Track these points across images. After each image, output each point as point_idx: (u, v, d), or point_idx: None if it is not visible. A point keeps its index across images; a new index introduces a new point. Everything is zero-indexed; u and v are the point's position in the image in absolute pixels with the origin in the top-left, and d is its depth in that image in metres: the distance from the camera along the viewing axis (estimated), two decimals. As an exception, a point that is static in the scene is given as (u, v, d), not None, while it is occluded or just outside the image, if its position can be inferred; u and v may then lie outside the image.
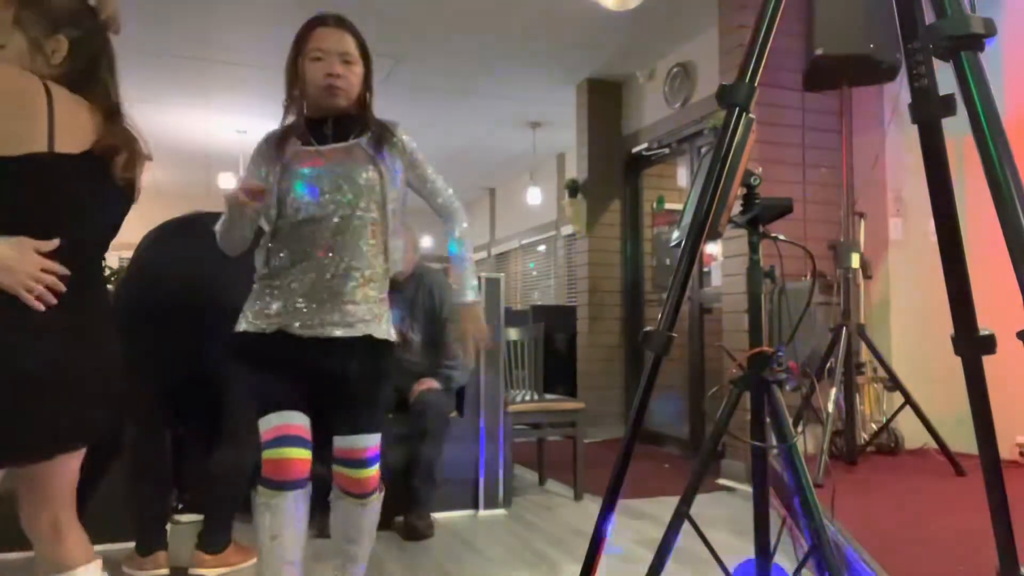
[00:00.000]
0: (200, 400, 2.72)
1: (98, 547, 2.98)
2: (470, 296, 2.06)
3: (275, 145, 1.95)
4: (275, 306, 1.91)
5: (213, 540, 2.68)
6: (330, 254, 1.90)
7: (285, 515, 1.85)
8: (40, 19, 1.46)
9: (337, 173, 1.91)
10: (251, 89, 6.20)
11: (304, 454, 1.87)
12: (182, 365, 2.68)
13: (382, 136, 1.98)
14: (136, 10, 4.46)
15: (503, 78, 6.05)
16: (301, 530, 1.90)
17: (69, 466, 1.52)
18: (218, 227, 1.94)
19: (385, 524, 3.09)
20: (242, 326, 1.94)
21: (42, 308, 1.35)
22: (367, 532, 2.04)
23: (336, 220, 1.90)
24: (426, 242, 9.47)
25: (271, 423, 1.86)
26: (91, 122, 1.48)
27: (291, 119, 2.00)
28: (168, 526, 2.84)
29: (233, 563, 2.71)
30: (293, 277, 1.91)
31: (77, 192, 1.42)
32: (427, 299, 3.49)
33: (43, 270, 1.35)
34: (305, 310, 1.90)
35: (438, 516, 3.38)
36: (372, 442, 1.97)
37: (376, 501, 2.03)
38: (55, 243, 1.37)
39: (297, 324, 1.90)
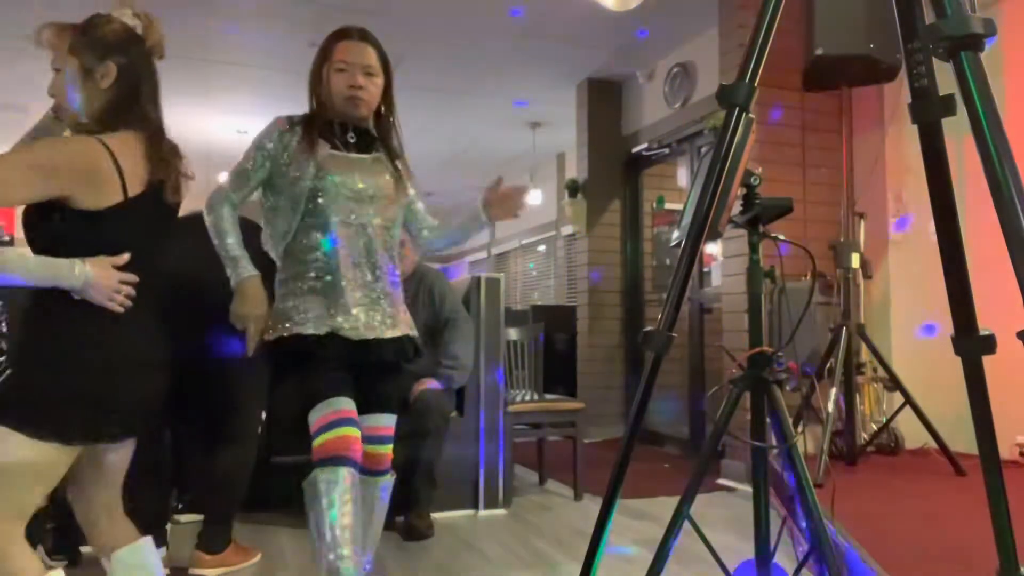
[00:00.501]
0: (200, 400, 2.72)
1: (98, 547, 2.96)
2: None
3: (307, 139, 2.00)
4: (314, 310, 1.99)
5: (213, 540, 2.68)
6: (366, 258, 2.04)
7: (347, 489, 1.89)
8: (92, 47, 1.64)
9: (368, 183, 2.04)
10: (251, 89, 6.19)
11: (358, 433, 1.95)
12: (182, 365, 2.68)
13: (396, 149, 2.14)
14: (135, 9, 4.45)
15: (503, 78, 6.05)
16: (357, 512, 1.93)
17: (128, 451, 1.77)
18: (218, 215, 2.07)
19: (385, 524, 3.09)
20: (279, 332, 1.99)
21: (120, 311, 1.60)
22: (377, 516, 2.14)
23: (370, 231, 2.04)
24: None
25: (322, 411, 1.94)
26: (143, 157, 1.67)
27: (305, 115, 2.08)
28: (168, 526, 2.84)
29: (233, 563, 2.71)
30: (331, 279, 2.00)
31: (146, 223, 1.68)
32: (427, 299, 3.49)
33: (121, 282, 1.61)
34: (353, 312, 2.00)
35: (438, 516, 3.38)
36: (393, 422, 2.16)
37: (389, 481, 2.15)
38: (126, 257, 1.62)
39: (347, 327, 1.99)
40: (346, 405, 1.97)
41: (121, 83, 1.66)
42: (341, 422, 1.93)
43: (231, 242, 2.02)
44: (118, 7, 1.75)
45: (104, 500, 1.76)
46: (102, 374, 1.57)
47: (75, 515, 1.77)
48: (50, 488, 1.59)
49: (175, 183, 1.74)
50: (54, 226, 1.58)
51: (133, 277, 1.62)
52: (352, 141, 2.07)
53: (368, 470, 2.07)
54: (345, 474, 1.90)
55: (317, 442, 1.93)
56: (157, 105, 1.74)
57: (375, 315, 2.04)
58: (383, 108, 2.12)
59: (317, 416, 1.94)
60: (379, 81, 2.06)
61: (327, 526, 1.86)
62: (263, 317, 2.01)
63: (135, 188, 1.63)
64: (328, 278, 2.00)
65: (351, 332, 1.99)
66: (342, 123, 2.07)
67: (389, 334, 2.06)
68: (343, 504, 1.88)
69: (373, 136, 2.13)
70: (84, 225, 1.58)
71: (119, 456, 1.75)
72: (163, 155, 1.70)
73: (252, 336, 2.01)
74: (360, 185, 2.02)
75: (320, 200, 1.99)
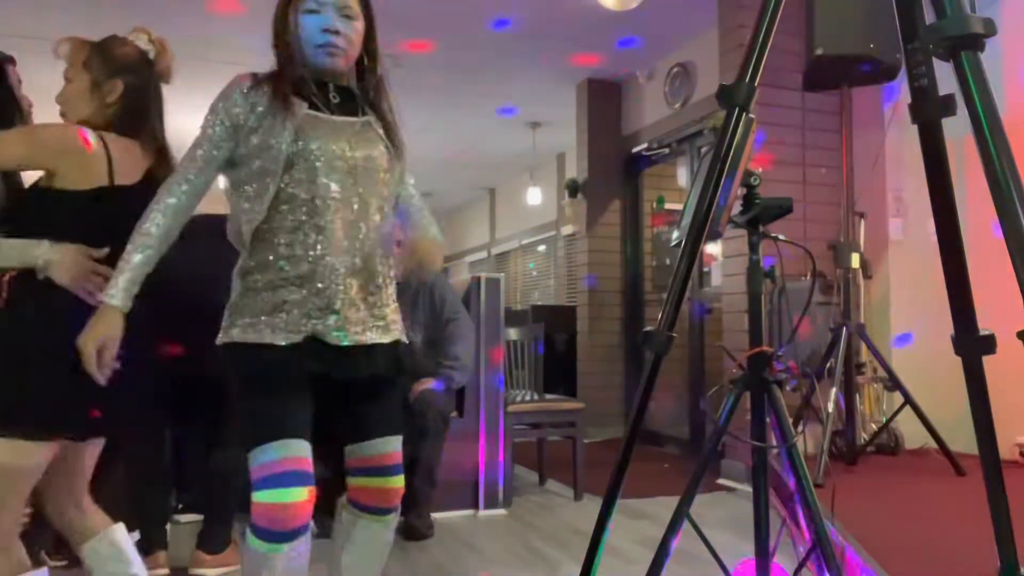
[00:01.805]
0: (200, 400, 2.72)
1: (98, 547, 2.95)
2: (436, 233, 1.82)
3: (280, 97, 1.61)
4: (285, 309, 1.58)
5: (213, 540, 2.69)
6: (351, 243, 1.63)
7: (286, 570, 1.50)
8: (105, 64, 1.77)
9: (356, 153, 1.64)
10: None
11: (308, 493, 1.53)
12: (182, 365, 2.68)
13: (387, 113, 1.74)
14: (136, 10, 4.46)
15: (503, 78, 6.04)
16: None
17: (92, 453, 1.78)
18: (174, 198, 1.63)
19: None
20: (229, 336, 1.61)
21: (94, 302, 1.57)
22: (380, 560, 1.77)
23: (356, 207, 1.63)
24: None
25: (270, 455, 1.52)
26: (142, 159, 1.78)
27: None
28: (168, 526, 2.84)
29: (233, 563, 2.71)
30: (311, 269, 1.59)
31: (133, 213, 1.60)
32: (428, 300, 3.49)
33: (95, 272, 1.64)
34: (338, 310, 1.61)
35: (438, 516, 3.37)
36: (400, 444, 1.75)
37: (396, 519, 1.77)
38: (105, 251, 1.65)
39: (332, 330, 1.61)
40: (302, 452, 1.54)
41: (126, 100, 1.78)
42: (289, 479, 1.50)
43: (132, 246, 1.55)
44: (135, 31, 1.87)
45: (69, 489, 1.77)
46: (61, 369, 1.56)
47: (45, 508, 1.79)
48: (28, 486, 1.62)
49: None
50: (38, 204, 1.64)
51: (108, 270, 1.61)
52: (336, 101, 1.68)
53: (375, 508, 1.71)
54: (283, 555, 1.49)
55: (256, 499, 1.50)
56: (162, 127, 1.88)
57: (367, 316, 1.65)
58: (365, 60, 1.73)
59: (263, 459, 1.51)
60: (359, 25, 1.67)
61: None
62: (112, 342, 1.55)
63: (124, 179, 1.70)
64: (306, 268, 1.58)
65: (337, 336, 1.59)
66: (318, 81, 1.67)
67: (383, 339, 1.68)
68: None
69: (358, 97, 1.73)
70: (68, 207, 1.64)
71: (80, 456, 1.76)
72: (166, 168, 1.79)
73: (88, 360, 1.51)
74: (348, 154, 1.63)
75: (297, 172, 1.58)
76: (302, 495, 1.51)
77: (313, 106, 1.64)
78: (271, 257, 1.60)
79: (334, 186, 1.61)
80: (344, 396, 1.69)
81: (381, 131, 1.71)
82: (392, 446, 1.72)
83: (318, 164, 1.60)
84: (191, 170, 1.60)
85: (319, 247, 1.59)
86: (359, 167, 1.64)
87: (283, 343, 1.57)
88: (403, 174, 1.78)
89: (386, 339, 1.69)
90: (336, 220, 1.60)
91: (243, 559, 1.55)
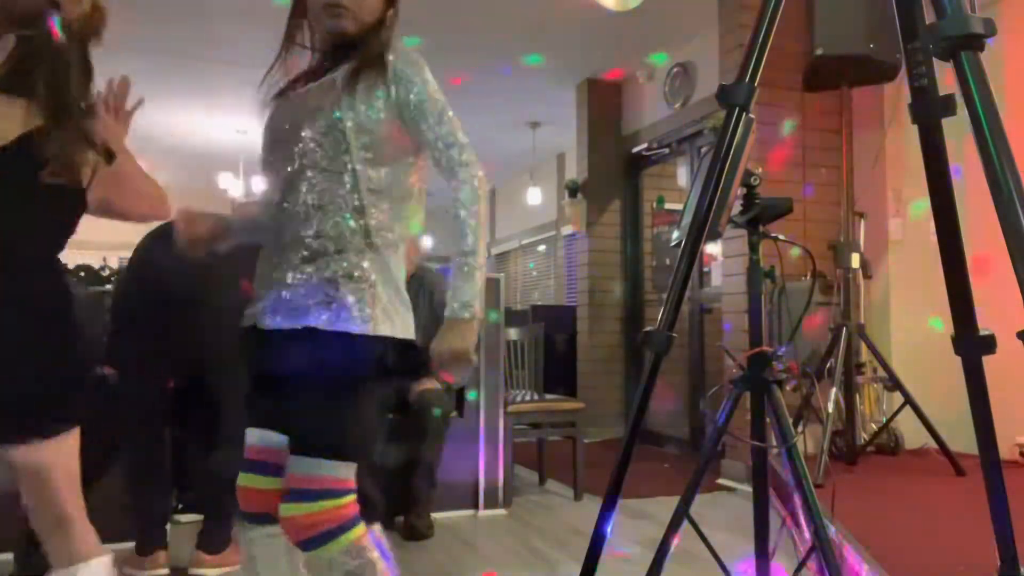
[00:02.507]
0: (200, 400, 2.72)
1: (98, 547, 2.95)
2: (456, 308, 1.54)
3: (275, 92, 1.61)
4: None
5: (213, 540, 2.68)
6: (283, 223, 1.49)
7: (263, 559, 1.61)
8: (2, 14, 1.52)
9: (297, 116, 1.50)
10: (252, 89, 6.18)
11: (262, 483, 1.58)
12: (182, 365, 2.68)
13: (365, 64, 1.51)
14: (136, 9, 4.45)
15: (503, 78, 6.04)
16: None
17: (58, 461, 1.54)
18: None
19: (385, 524, 3.09)
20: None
21: None
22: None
23: (292, 180, 1.48)
24: (426, 242, 9.46)
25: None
26: (21, 122, 1.50)
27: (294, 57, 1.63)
28: (168, 526, 2.84)
29: (233, 563, 2.71)
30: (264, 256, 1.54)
31: None
32: (427, 300, 3.49)
33: None
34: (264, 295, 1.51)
35: (438, 516, 3.37)
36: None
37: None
38: None
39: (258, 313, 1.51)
40: (256, 440, 1.56)
41: (16, 56, 1.54)
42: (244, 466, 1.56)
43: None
44: None
45: (52, 514, 1.54)
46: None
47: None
48: None
49: (61, 168, 1.54)
50: None
51: None
52: (326, 67, 1.57)
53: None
54: (259, 538, 1.57)
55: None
56: (68, 89, 1.56)
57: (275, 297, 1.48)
58: (387, 20, 1.59)
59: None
60: None
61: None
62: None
63: None
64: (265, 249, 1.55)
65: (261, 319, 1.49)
66: (331, 48, 1.58)
67: (286, 325, 1.45)
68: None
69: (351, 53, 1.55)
70: None
71: (43, 465, 1.52)
72: (60, 134, 1.53)
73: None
74: (289, 117, 1.54)
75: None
76: (253, 482, 1.57)
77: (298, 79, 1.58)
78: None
79: (273, 149, 1.56)
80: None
81: (343, 85, 1.49)
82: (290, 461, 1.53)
83: (266, 130, 1.60)
84: None
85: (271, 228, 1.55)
86: (306, 125, 1.50)
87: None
88: (413, 122, 1.57)
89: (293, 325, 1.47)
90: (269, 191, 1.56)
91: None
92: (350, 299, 1.44)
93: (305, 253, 1.46)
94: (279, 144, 1.52)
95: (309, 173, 1.47)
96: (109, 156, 1.63)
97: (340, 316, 1.43)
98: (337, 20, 1.52)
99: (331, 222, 1.46)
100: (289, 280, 1.46)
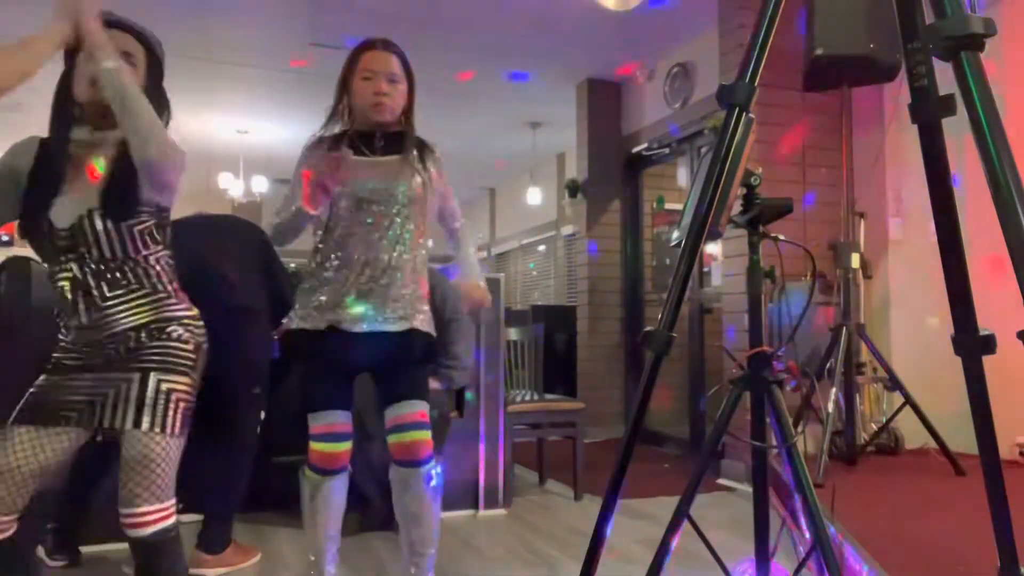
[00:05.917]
0: (200, 400, 2.71)
1: (98, 547, 2.98)
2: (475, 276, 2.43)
3: (331, 149, 2.12)
4: (325, 302, 2.12)
5: (213, 540, 2.68)
6: (378, 255, 2.12)
7: (328, 498, 2.15)
8: None
9: (390, 183, 2.13)
10: (251, 89, 6.19)
11: (344, 446, 2.15)
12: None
13: (425, 151, 2.24)
14: (136, 9, 4.46)
15: (503, 78, 6.04)
16: (341, 508, 2.20)
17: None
18: (279, 219, 2.17)
19: (385, 524, 3.09)
20: (295, 324, 2.13)
21: None
22: (425, 511, 2.18)
23: (386, 225, 2.13)
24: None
25: (317, 421, 2.13)
26: None
27: (336, 129, 2.20)
28: (168, 526, 2.84)
29: (233, 563, 2.71)
30: (344, 276, 2.12)
31: None
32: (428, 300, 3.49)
33: None
34: (359, 308, 2.12)
35: (438, 516, 3.37)
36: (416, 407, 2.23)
37: (428, 471, 2.20)
38: None
39: (347, 320, 2.10)
40: (337, 419, 2.14)
41: None
42: (329, 437, 2.13)
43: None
44: None
45: None
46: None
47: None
48: None
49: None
50: None
51: None
52: (379, 146, 2.17)
53: (402, 461, 2.17)
54: (327, 486, 2.14)
55: (311, 447, 2.15)
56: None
57: (381, 309, 2.13)
58: (411, 112, 2.25)
59: (313, 424, 2.14)
60: (402, 88, 2.17)
61: (310, 525, 2.18)
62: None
63: None
64: (332, 274, 2.12)
65: (349, 325, 2.10)
66: (368, 132, 2.17)
67: (393, 328, 2.15)
68: (326, 508, 2.16)
69: (401, 139, 2.21)
70: None
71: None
72: None
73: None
74: (385, 184, 2.13)
75: (344, 202, 2.11)
76: (336, 448, 2.14)
77: (360, 152, 2.14)
78: (318, 264, 2.21)
79: (376, 207, 2.14)
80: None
81: (418, 164, 2.19)
82: (403, 409, 2.20)
83: (363, 190, 2.12)
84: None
85: (342, 259, 2.17)
86: (398, 190, 2.14)
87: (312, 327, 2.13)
88: (444, 194, 2.32)
89: (400, 328, 2.17)
90: (369, 235, 2.15)
91: (301, 485, 2.16)
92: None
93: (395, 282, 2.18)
94: (381, 204, 2.14)
95: (402, 230, 2.17)
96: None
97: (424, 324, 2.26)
98: (381, 113, 2.14)
99: (409, 259, 2.22)
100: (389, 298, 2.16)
